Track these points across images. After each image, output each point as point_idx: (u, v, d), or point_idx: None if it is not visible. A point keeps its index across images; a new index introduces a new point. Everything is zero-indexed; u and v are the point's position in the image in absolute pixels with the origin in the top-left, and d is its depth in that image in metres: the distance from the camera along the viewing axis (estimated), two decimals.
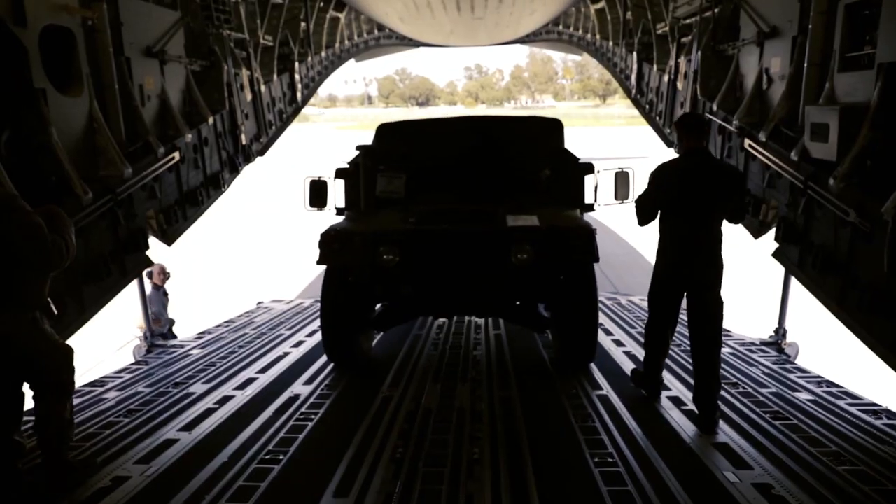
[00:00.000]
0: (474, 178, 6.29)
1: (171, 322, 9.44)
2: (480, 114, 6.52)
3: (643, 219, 4.73)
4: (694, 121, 4.82)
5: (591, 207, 6.47)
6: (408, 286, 5.60)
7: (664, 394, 5.27)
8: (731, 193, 4.53)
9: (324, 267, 5.66)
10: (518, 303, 6.00)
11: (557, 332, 5.97)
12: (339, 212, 6.66)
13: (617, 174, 6.38)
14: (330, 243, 5.49)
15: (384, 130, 6.88)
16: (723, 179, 4.54)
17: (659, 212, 4.62)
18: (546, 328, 6.34)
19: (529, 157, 6.37)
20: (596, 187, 6.39)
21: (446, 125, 7.47)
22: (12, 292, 3.40)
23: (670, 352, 5.60)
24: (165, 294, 9.49)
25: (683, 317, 4.85)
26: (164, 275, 9.50)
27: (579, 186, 6.40)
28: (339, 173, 6.66)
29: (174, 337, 9.08)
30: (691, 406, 4.84)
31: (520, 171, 6.35)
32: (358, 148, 6.50)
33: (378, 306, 6.37)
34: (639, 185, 5.78)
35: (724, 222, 4.55)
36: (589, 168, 6.37)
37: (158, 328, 8.87)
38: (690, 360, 4.78)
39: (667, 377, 5.64)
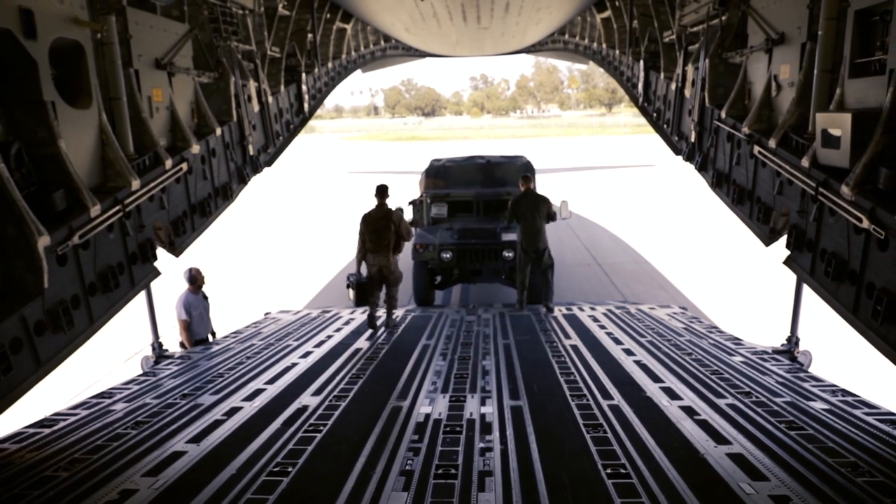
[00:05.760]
0: (483, 206, 12.51)
1: (213, 333, 9.09)
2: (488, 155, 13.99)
3: (509, 221, 10.41)
4: (529, 175, 10.66)
5: (552, 218, 10.47)
6: (455, 268, 11.52)
7: (676, 403, 5.27)
8: (544, 208, 9.73)
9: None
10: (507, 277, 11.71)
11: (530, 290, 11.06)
12: (412, 224, 12.20)
13: (562, 202, 12.52)
14: (418, 249, 11.46)
15: (432, 169, 13.15)
16: (539, 202, 9.73)
17: (516, 218, 9.89)
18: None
19: (513, 190, 11.94)
20: (553, 209, 10.47)
21: (468, 168, 13.18)
22: (395, 248, 8.64)
23: (681, 362, 6.80)
24: (205, 297, 9.01)
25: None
26: (202, 278, 8.98)
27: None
28: (411, 202, 12.99)
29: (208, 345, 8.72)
30: (704, 416, 4.95)
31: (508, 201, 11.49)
32: (425, 191, 12.84)
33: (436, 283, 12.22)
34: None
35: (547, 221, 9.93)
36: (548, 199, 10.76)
37: (198, 335, 8.73)
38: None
39: (677, 386, 5.76)
